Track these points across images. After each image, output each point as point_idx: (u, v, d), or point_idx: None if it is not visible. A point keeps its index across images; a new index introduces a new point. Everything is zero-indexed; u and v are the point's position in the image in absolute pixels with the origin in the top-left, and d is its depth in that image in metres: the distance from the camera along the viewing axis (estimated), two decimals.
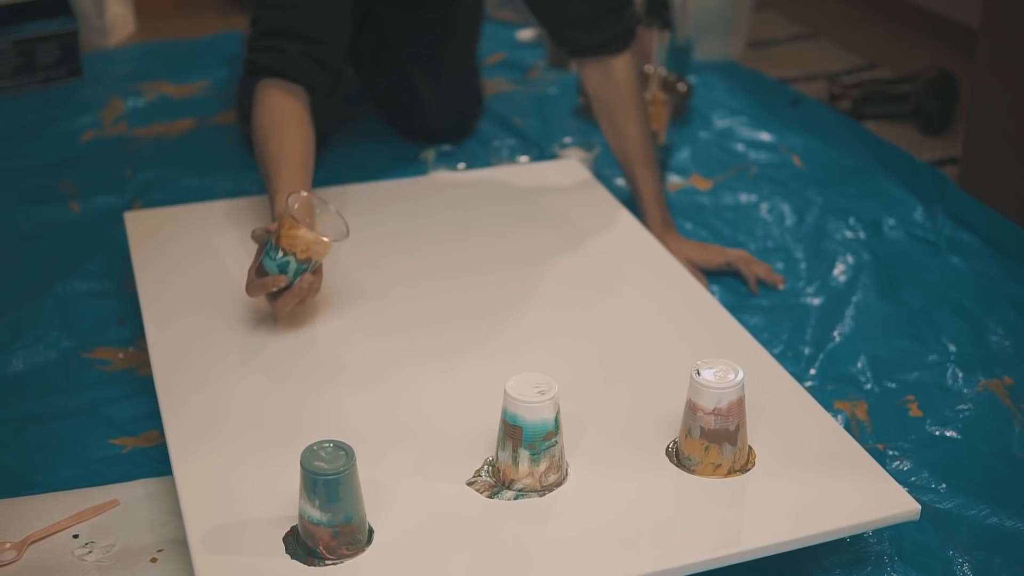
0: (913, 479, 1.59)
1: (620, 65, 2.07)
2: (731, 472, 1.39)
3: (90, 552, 1.41)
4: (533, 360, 1.59)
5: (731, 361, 1.37)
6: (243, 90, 2.48)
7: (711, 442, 1.36)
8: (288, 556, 1.26)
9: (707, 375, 1.36)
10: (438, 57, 2.44)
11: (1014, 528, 1.51)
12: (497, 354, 1.62)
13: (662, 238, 2.03)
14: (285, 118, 1.83)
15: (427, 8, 2.41)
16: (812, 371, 1.81)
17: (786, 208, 2.29)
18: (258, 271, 1.60)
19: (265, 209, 1.99)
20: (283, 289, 1.60)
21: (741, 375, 1.35)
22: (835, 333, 1.90)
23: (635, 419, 1.49)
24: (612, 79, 2.07)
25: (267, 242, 1.60)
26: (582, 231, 1.95)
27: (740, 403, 1.36)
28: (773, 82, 2.86)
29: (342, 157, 2.45)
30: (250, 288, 1.60)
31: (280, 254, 1.57)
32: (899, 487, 1.38)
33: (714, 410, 1.35)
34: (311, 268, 1.60)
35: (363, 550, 1.28)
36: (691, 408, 1.37)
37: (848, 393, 1.76)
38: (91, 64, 2.91)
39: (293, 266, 1.58)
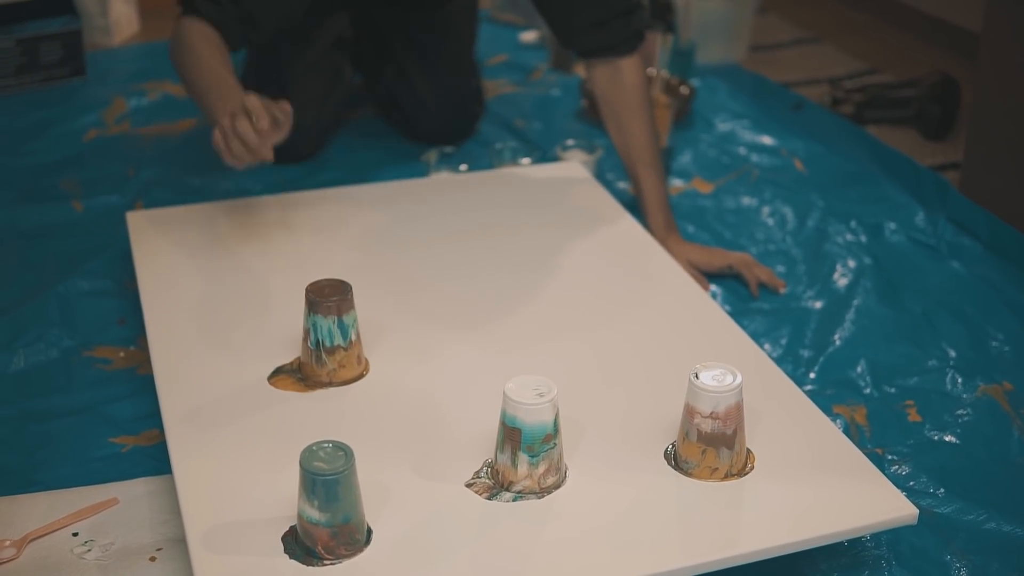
0: (911, 484, 1.59)
1: (628, 67, 2.07)
2: (728, 476, 1.39)
3: (89, 550, 1.41)
4: (532, 362, 1.60)
5: (730, 365, 1.38)
6: (245, 89, 2.48)
7: (708, 446, 1.37)
8: (287, 556, 1.27)
9: (705, 379, 1.36)
10: (435, 56, 2.45)
11: (1012, 533, 1.51)
12: (496, 356, 1.63)
13: (664, 240, 2.03)
14: (213, 45, 1.90)
15: (422, 8, 2.42)
16: (812, 375, 1.82)
17: (788, 212, 2.30)
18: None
19: (268, 209, 1.99)
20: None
21: (739, 379, 1.36)
22: (835, 337, 1.90)
23: (634, 422, 1.49)
24: (620, 81, 2.08)
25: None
26: (583, 234, 1.95)
27: (738, 407, 1.36)
28: (775, 86, 2.86)
29: (343, 159, 2.45)
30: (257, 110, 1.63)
31: None
32: (897, 492, 1.39)
33: (711, 414, 1.35)
34: None
35: (361, 550, 1.28)
36: (688, 411, 1.37)
37: (847, 397, 1.76)
38: (94, 63, 2.92)
39: None
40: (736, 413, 1.36)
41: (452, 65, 2.49)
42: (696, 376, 1.36)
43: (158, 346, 1.62)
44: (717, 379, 1.36)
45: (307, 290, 1.52)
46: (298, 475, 1.24)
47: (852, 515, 1.35)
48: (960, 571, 1.45)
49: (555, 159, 2.35)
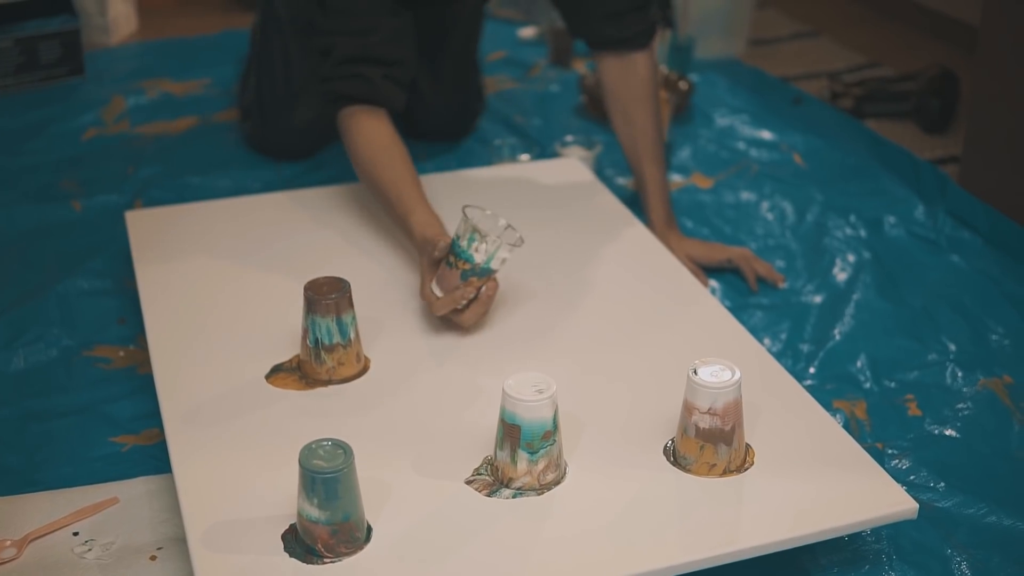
0: (912, 478, 1.59)
1: (640, 60, 2.08)
2: (726, 472, 1.39)
3: (90, 550, 1.41)
4: (532, 359, 1.60)
5: (729, 361, 1.37)
6: (244, 87, 2.49)
7: (706, 442, 1.37)
8: (287, 554, 1.27)
9: (703, 374, 1.36)
10: (439, 54, 2.44)
11: (1012, 527, 1.51)
12: (496, 353, 1.63)
13: (664, 235, 2.03)
14: (387, 142, 1.87)
15: (430, 5, 2.41)
16: (811, 370, 1.82)
17: (787, 206, 2.29)
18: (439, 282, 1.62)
19: (267, 207, 2.00)
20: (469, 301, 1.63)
21: (737, 375, 1.35)
22: (835, 332, 1.90)
23: (634, 418, 1.49)
24: (632, 73, 2.08)
25: (446, 259, 1.62)
26: (582, 230, 1.95)
27: (736, 404, 1.36)
28: (775, 80, 2.86)
29: (342, 156, 2.43)
30: (438, 307, 1.62)
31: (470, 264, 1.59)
32: (897, 486, 1.39)
33: (709, 409, 1.35)
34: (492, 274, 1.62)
35: (361, 548, 1.28)
36: (687, 407, 1.37)
37: (847, 392, 1.76)
38: (93, 62, 2.92)
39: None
40: (734, 409, 1.36)
41: (456, 64, 2.48)
42: (695, 372, 1.36)
43: (158, 345, 1.63)
44: (715, 375, 1.36)
45: (305, 288, 1.52)
46: (298, 473, 1.24)
47: (852, 510, 1.35)
48: (961, 565, 1.44)
49: (554, 155, 2.35)
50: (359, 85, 1.88)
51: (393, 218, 1.81)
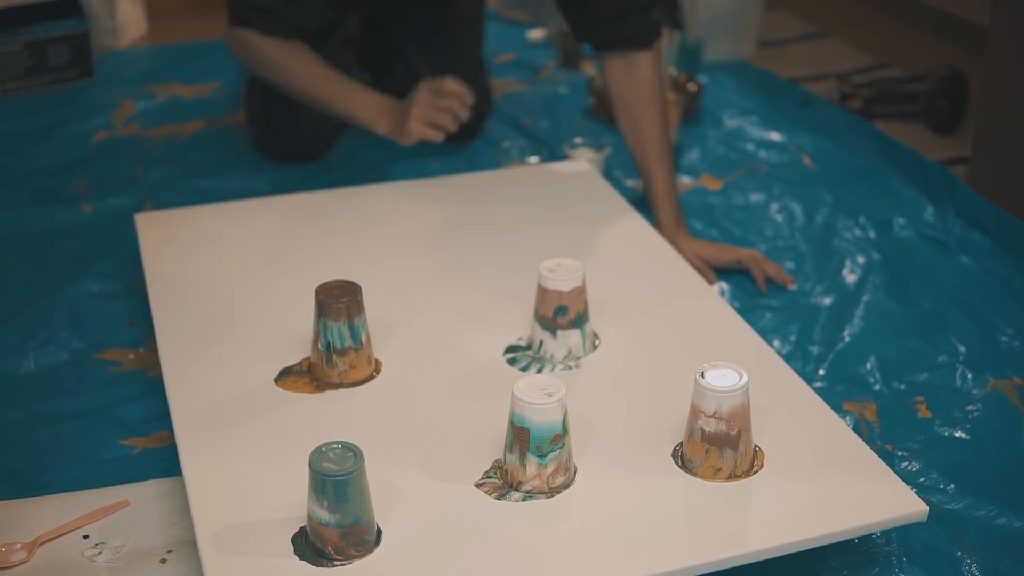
0: (922, 480, 1.59)
1: (644, 61, 2.08)
2: (732, 477, 1.38)
3: (100, 553, 1.42)
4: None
5: (737, 365, 1.37)
6: (251, 92, 2.49)
7: (711, 445, 1.36)
8: (296, 557, 1.27)
9: (710, 378, 1.35)
10: (443, 54, 2.45)
11: (1022, 529, 1.50)
12: (506, 356, 1.63)
13: (673, 236, 2.03)
14: (296, 45, 2.16)
15: (431, 6, 2.42)
16: (821, 371, 1.81)
17: (796, 208, 2.29)
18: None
19: (276, 210, 2.00)
20: None
21: (744, 379, 1.35)
22: (844, 333, 1.90)
23: (643, 421, 1.49)
24: (636, 75, 2.08)
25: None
26: (591, 232, 1.95)
27: (742, 408, 1.35)
28: (783, 82, 2.85)
29: (350, 158, 2.45)
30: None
31: None
32: (907, 488, 1.38)
33: (715, 413, 1.35)
34: None
35: (371, 551, 1.28)
36: (694, 411, 1.37)
37: (857, 394, 1.76)
38: (102, 65, 2.92)
39: None
40: (741, 413, 1.35)
41: (460, 64, 2.48)
42: (702, 375, 1.36)
43: (167, 348, 1.63)
44: (723, 379, 1.35)
45: (317, 292, 1.52)
46: (308, 476, 1.24)
47: (862, 512, 1.35)
48: (971, 567, 1.44)
49: (563, 157, 2.35)
50: (262, 19, 2.12)
51: (342, 91, 2.14)
